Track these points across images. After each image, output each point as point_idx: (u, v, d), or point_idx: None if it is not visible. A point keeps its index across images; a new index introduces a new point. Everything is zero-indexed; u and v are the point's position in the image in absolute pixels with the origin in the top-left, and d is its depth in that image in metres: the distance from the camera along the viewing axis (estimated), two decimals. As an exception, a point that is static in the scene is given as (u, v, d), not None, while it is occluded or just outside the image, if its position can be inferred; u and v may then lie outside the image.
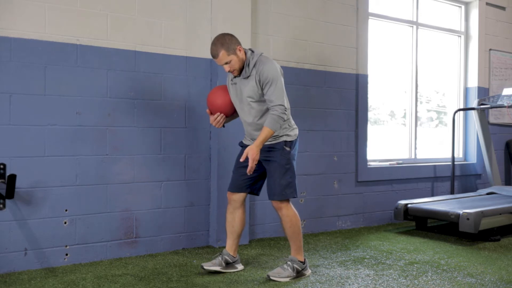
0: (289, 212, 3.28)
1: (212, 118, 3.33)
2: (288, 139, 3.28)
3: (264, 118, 3.24)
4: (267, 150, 3.26)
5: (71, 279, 3.23)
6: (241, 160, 3.22)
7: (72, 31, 3.58)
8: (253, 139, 3.32)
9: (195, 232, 4.16)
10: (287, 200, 3.29)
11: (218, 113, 3.31)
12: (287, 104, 3.23)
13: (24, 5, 3.41)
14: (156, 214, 3.96)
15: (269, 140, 3.24)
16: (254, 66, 3.20)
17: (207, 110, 3.37)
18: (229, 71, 3.23)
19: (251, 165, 3.13)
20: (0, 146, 3.34)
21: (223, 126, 3.40)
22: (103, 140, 3.72)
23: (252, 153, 3.13)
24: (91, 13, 3.65)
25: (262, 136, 3.15)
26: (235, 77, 3.29)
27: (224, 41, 3.16)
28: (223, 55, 3.15)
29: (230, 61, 3.16)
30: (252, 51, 3.26)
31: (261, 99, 3.22)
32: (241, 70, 3.23)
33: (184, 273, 3.41)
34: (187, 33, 4.08)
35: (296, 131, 3.36)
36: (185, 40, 4.07)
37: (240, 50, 3.19)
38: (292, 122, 3.37)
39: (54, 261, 3.53)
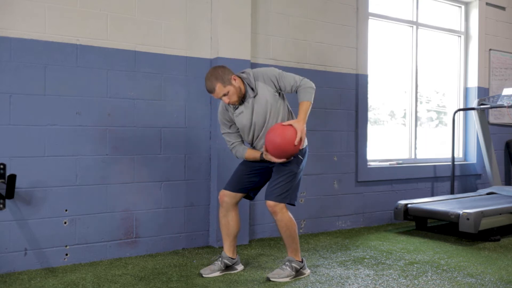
0: (284, 217, 3.24)
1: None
2: (302, 146, 3.24)
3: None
4: None
5: (71, 279, 3.23)
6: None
7: (72, 31, 3.58)
8: (262, 149, 3.29)
9: (195, 232, 4.16)
10: (284, 205, 3.25)
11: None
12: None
13: (24, 5, 3.41)
14: (156, 214, 3.96)
15: None
16: (255, 80, 3.22)
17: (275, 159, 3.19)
18: (229, 103, 3.19)
19: (300, 136, 3.07)
20: (0, 146, 3.34)
21: None
22: (103, 140, 3.72)
23: (300, 127, 3.08)
24: (91, 13, 3.65)
25: (303, 110, 3.14)
26: (236, 108, 3.27)
27: (218, 74, 3.16)
28: (219, 88, 3.14)
29: (228, 92, 3.15)
30: (243, 72, 3.28)
31: (278, 108, 3.24)
32: (240, 98, 3.21)
33: (184, 273, 3.41)
34: (187, 33, 4.08)
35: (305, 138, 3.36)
36: (185, 40, 4.07)
37: (235, 79, 3.18)
38: None
39: (54, 261, 3.53)
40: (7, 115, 3.37)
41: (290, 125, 3.10)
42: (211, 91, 3.18)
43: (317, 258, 3.84)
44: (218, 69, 3.19)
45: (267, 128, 3.25)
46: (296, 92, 3.21)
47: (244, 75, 3.26)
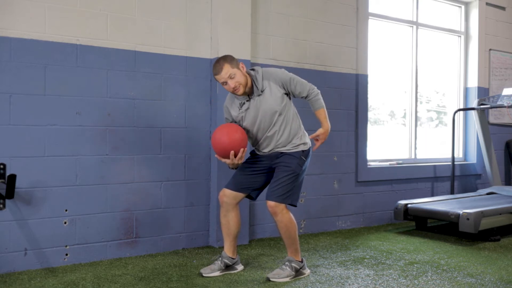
0: (284, 218, 3.22)
1: (233, 157, 3.16)
2: (305, 148, 3.29)
3: (283, 127, 3.25)
4: (284, 156, 3.26)
5: (71, 279, 3.23)
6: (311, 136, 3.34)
7: (72, 31, 3.58)
8: (266, 150, 3.31)
9: (195, 232, 4.16)
10: (284, 206, 3.24)
11: (241, 149, 3.17)
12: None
13: (24, 5, 3.41)
14: (156, 214, 3.96)
15: (287, 148, 3.26)
16: (262, 79, 3.22)
17: (217, 156, 3.25)
18: (234, 88, 3.15)
19: (322, 142, 3.32)
20: (0, 146, 3.34)
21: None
22: (103, 140, 3.72)
23: (325, 136, 3.31)
24: (91, 13, 3.65)
25: (324, 117, 3.31)
26: (243, 104, 3.26)
27: (227, 57, 3.21)
28: (226, 67, 3.13)
29: (235, 74, 3.14)
30: (252, 69, 3.30)
31: (283, 107, 3.24)
32: (246, 88, 3.20)
33: (184, 273, 3.41)
34: (187, 33, 4.08)
35: (309, 139, 3.38)
36: (185, 40, 4.07)
37: (243, 68, 3.20)
38: (302, 126, 3.39)
39: (54, 261, 3.53)
40: (7, 115, 3.37)
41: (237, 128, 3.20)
42: (218, 71, 3.15)
43: (317, 258, 3.84)
44: (227, 55, 3.24)
45: (273, 128, 3.25)
46: (306, 99, 3.32)
47: (252, 72, 3.26)
